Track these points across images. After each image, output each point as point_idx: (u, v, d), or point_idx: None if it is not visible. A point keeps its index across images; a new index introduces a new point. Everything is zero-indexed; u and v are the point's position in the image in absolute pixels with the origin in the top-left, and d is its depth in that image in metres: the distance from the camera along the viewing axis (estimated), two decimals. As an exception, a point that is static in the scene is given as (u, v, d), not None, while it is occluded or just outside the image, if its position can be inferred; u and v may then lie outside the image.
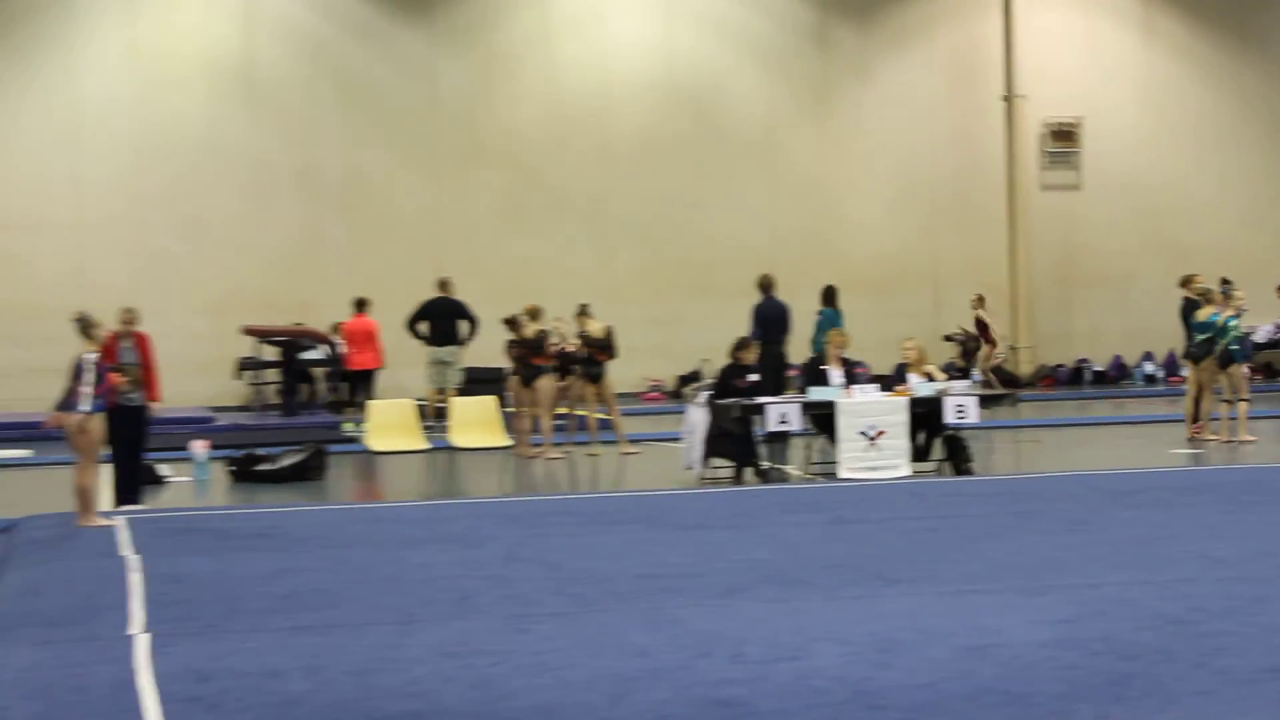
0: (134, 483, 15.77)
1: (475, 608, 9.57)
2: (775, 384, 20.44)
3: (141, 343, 15.85)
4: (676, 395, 30.01)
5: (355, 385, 25.61)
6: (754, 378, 17.49)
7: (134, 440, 15.58)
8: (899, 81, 32.49)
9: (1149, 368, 33.08)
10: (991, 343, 30.56)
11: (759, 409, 16.79)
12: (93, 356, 13.54)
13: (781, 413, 16.78)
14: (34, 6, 28.63)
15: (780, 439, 17.77)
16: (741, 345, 17.82)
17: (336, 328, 26.80)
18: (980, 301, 30.69)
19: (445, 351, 24.13)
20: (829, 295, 23.50)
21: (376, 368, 25.56)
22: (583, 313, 21.43)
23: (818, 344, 22.17)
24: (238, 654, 8.38)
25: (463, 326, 24.21)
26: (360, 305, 25.70)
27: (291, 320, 27.84)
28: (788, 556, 11.26)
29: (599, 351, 20.91)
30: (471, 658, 8.23)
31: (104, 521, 13.54)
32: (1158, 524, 12.69)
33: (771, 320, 22.53)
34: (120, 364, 14.91)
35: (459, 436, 22.24)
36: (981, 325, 30.57)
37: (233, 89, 29.52)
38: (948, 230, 32.57)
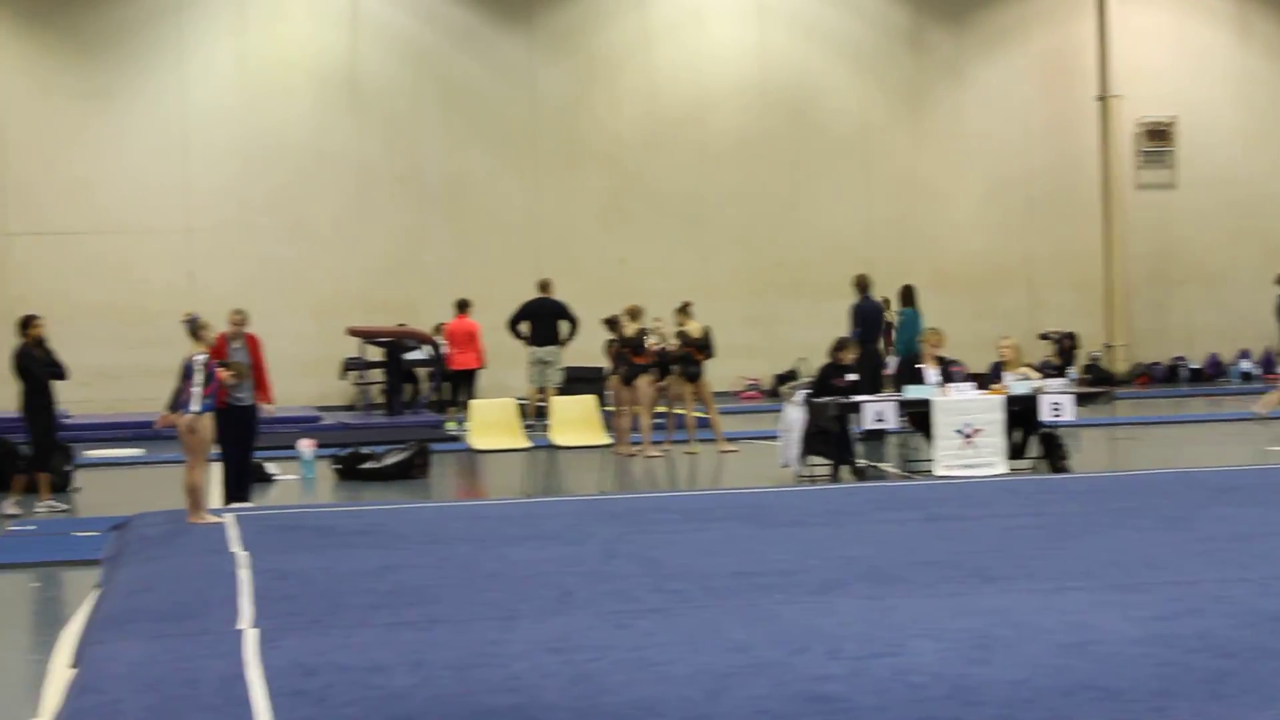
0: (243, 481, 15.90)
1: (575, 604, 9.56)
2: (872, 383, 20.32)
3: (252, 344, 15.96)
4: (773, 394, 29.87)
5: (458, 385, 25.69)
6: (853, 377, 17.39)
7: (243, 439, 15.70)
8: (993, 83, 32.23)
9: (1245, 365, 32.60)
10: None
11: (856, 407, 16.72)
12: (202, 357, 13.59)
13: (878, 411, 16.69)
14: (145, 17, 28.95)
15: (876, 437, 17.71)
16: (841, 345, 17.73)
17: (439, 328, 26.90)
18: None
19: (546, 351, 24.16)
20: (908, 295, 23.11)
21: (478, 367, 25.62)
22: (682, 312, 21.40)
23: (901, 345, 22.00)
24: (343, 649, 8.41)
25: (563, 326, 24.23)
26: (462, 306, 25.77)
27: (395, 321, 27.98)
28: (884, 553, 11.18)
29: (697, 351, 20.86)
30: (572, 653, 8.22)
31: (213, 519, 13.64)
32: (1255, 521, 12.49)
33: (870, 320, 22.40)
34: (226, 361, 14.98)
35: (559, 435, 22.27)
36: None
37: (338, 96, 29.72)
38: (1042, 228, 32.27)
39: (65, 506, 16.25)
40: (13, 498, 16.14)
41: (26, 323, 16.37)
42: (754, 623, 8.84)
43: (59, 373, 16.27)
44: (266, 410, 15.90)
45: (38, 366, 16.12)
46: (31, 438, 16.30)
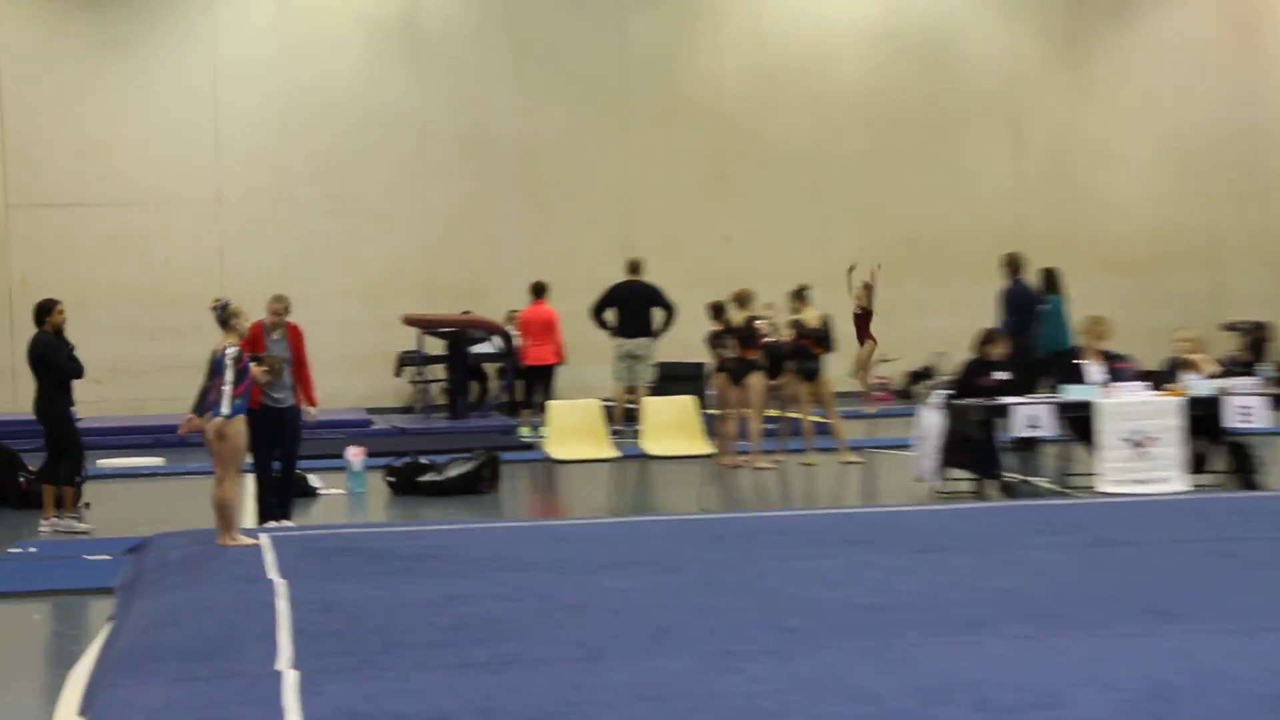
0: (285, 496, 15.91)
1: (673, 643, 9.52)
2: (1025, 383, 20.11)
3: (294, 336, 15.96)
4: (906, 395, 29.79)
5: (532, 383, 25.71)
6: (1003, 376, 17.25)
7: (284, 448, 15.73)
8: (1167, 26, 31.97)
9: None
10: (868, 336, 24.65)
11: (1005, 411, 16.60)
12: (234, 351, 13.58)
13: (1031, 415, 16.58)
14: (168, -47, 29.25)
15: (1029, 446, 17.56)
16: (989, 338, 17.61)
17: (511, 317, 26.96)
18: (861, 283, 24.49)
19: (636, 344, 24.14)
20: (1050, 280, 22.56)
21: (556, 363, 25.63)
22: (798, 297, 21.30)
23: (1045, 339, 21.74)
24: (399, 694, 8.40)
25: (656, 315, 24.21)
26: (538, 291, 25.79)
27: (459, 308, 28.07)
28: (1040, 585, 11.10)
29: (815, 344, 20.78)
30: (669, 701, 8.18)
31: (247, 540, 13.69)
32: None
33: (1024, 307, 22.14)
34: (259, 354, 14.91)
35: (652, 443, 22.21)
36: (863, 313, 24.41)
37: (391, 45, 29.85)
38: (1228, 199, 31.95)
39: (85, 527, 16.34)
40: (50, 514, 16.23)
41: (46, 309, 16.50)
42: (885, 667, 8.78)
43: (77, 369, 16.40)
44: (310, 414, 15.94)
45: (62, 359, 16.25)
46: (59, 442, 16.38)
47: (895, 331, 30.38)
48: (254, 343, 15.16)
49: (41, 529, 16.03)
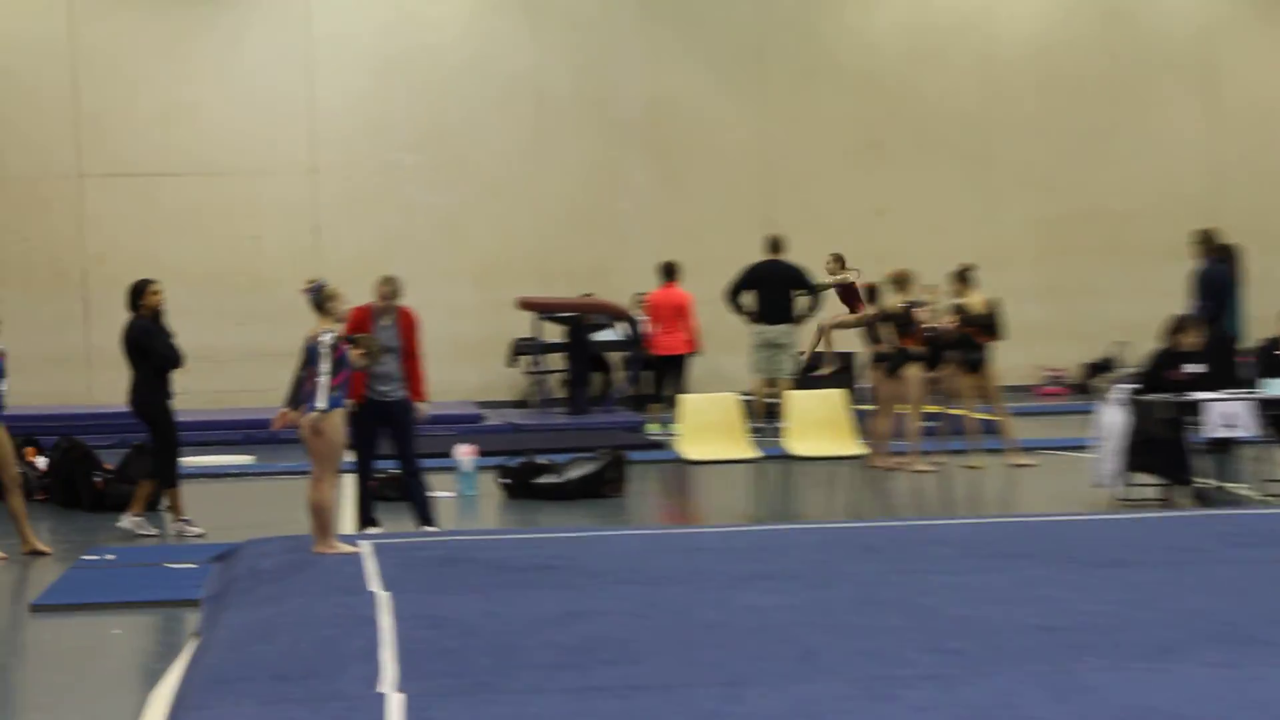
0: (417, 500, 15.82)
1: (822, 666, 9.51)
2: (1222, 376, 19.89)
3: (406, 322, 15.77)
4: (1083, 389, 29.62)
5: (662, 374, 25.74)
6: (1196, 368, 17.10)
7: (397, 447, 15.74)
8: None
9: None
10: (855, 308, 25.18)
11: (1196, 408, 16.47)
12: (330, 337, 13.61)
13: (1227, 413, 16.44)
14: (258, -104, 29.50)
15: (1225, 448, 17.42)
16: (1181, 326, 17.45)
17: (638, 300, 27.00)
18: (838, 262, 25.69)
19: (777, 331, 24.12)
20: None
21: (688, 352, 25.64)
22: (961, 279, 21.22)
23: (1233, 324, 21.52)
24: (515, 721, 8.44)
25: (800, 299, 24.19)
26: (669, 272, 25.81)
27: (580, 291, 28.15)
28: (1240, 605, 10.98)
29: (980, 331, 20.71)
30: (818, 732, 8.17)
31: (346, 548, 13.77)
32: None
33: (1220, 291, 21.91)
34: (355, 335, 14.86)
35: (797, 442, 22.24)
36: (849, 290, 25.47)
37: (506, -5, 30.03)
38: None
39: (154, 531, 16.54)
40: (134, 513, 16.46)
41: (139, 290, 16.67)
42: (1061, 696, 8.72)
43: (178, 357, 16.61)
44: (420, 410, 15.92)
45: (163, 345, 16.42)
46: (155, 437, 16.60)
47: (1071, 317, 30.35)
48: (359, 327, 15.19)
49: (122, 523, 16.33)
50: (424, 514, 15.82)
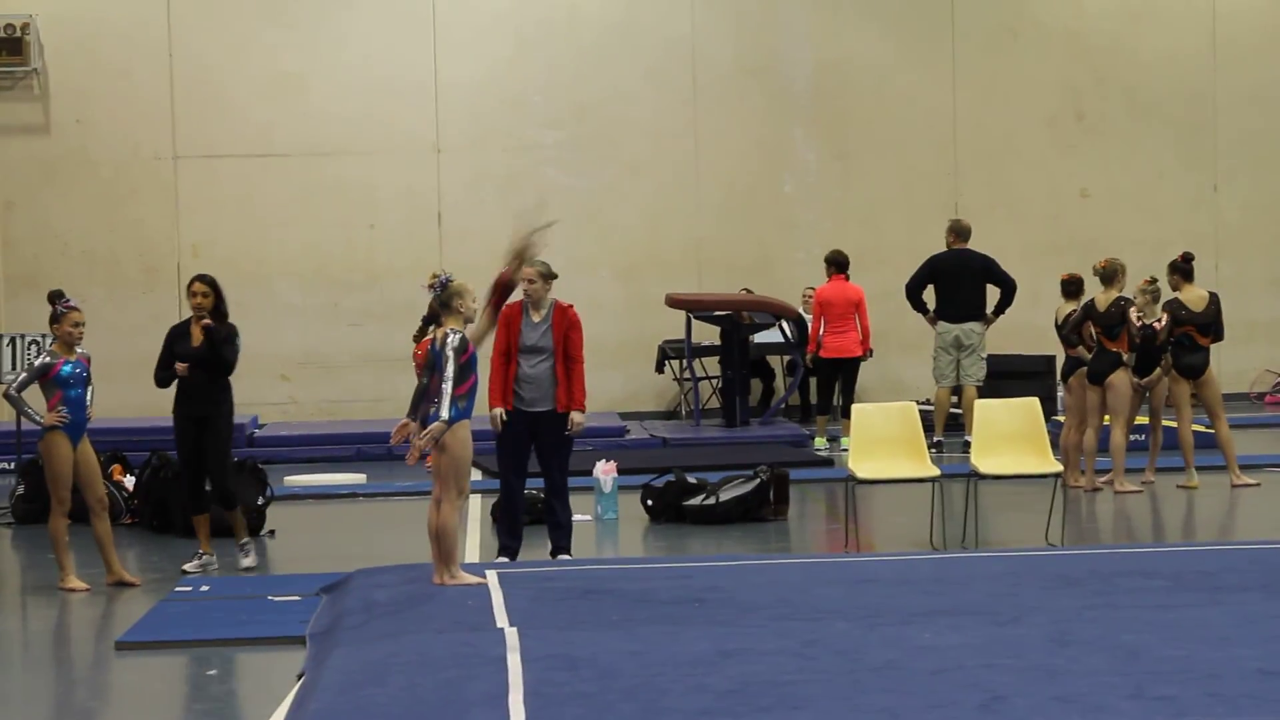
0: (556, 525, 15.88)
1: (1009, 715, 9.50)
2: None
3: (564, 320, 15.71)
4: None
5: (830, 380, 25.73)
6: None
7: (544, 465, 15.74)
8: None
9: None
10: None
11: None
12: (456, 339, 13.60)
13: None
14: None
15: None
16: None
17: (805, 297, 27.00)
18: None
19: (963, 330, 24.07)
20: None
21: (862, 355, 25.64)
22: (1177, 272, 21.03)
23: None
24: (659, 774, 8.49)
25: (990, 294, 24.09)
26: (839, 264, 25.79)
27: (740, 286, 28.16)
28: None
29: (1198, 332, 20.55)
30: (1003, 789, 8.18)
31: (471, 579, 13.85)
32: None
33: None
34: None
35: (984, 458, 22.11)
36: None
37: (654, -50, 30.09)
38: None
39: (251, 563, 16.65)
40: (202, 552, 16.53)
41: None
42: (1287, 750, 8.69)
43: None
44: (575, 422, 15.63)
45: (231, 351, 16.52)
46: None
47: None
48: (505, 331, 15.12)
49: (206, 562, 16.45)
50: (559, 540, 15.88)
